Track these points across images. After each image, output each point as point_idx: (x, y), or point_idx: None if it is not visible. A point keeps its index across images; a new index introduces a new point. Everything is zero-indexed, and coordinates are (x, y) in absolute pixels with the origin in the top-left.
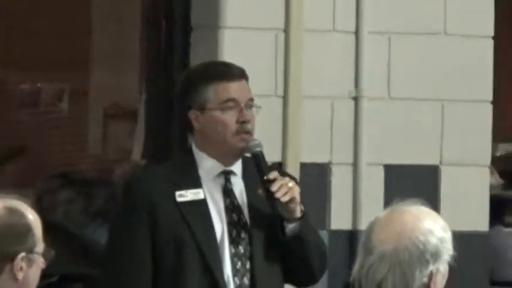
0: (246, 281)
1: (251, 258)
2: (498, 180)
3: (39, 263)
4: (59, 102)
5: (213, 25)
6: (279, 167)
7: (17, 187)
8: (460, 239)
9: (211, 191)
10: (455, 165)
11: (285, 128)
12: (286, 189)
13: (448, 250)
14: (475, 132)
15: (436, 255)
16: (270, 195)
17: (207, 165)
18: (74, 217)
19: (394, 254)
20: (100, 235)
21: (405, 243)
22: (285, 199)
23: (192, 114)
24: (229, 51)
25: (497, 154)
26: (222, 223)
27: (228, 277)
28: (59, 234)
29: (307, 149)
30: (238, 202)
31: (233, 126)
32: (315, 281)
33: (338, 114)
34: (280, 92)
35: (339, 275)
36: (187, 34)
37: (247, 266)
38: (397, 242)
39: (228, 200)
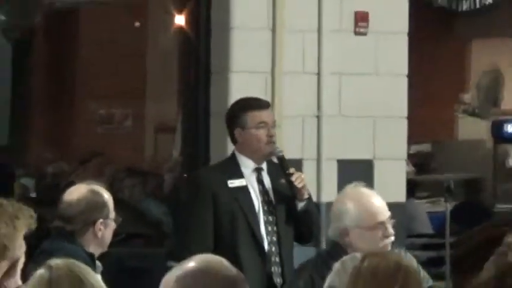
0: (274, 238)
1: (276, 224)
2: (411, 168)
3: (112, 226)
4: (125, 121)
5: (225, 70)
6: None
7: (97, 177)
8: (390, 206)
9: (250, 180)
10: (383, 159)
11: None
12: (300, 179)
13: None
14: (396, 138)
15: None
16: (291, 183)
17: (246, 164)
18: (135, 196)
19: None
20: (152, 207)
21: None
22: (300, 185)
23: (237, 132)
24: (235, 89)
25: (411, 152)
26: (258, 201)
27: (263, 235)
28: (125, 207)
29: (287, 150)
30: (266, 188)
31: (264, 139)
32: (311, 240)
33: (307, 127)
34: None
35: None
36: (208, 75)
37: (275, 229)
38: None
39: (261, 186)
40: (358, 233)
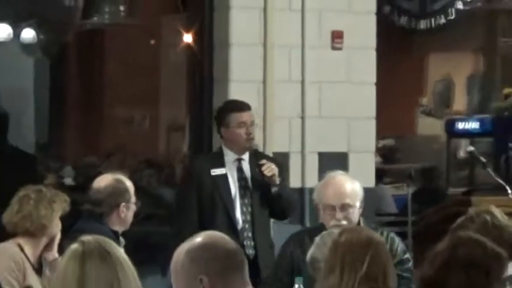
0: (248, 217)
1: (252, 206)
2: (379, 159)
3: (133, 208)
4: (143, 122)
5: (225, 79)
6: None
7: (120, 168)
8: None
9: (231, 169)
10: (356, 152)
11: (265, 135)
12: (270, 169)
13: None
14: (366, 134)
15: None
16: (261, 172)
17: (229, 155)
18: (151, 183)
19: None
20: (165, 193)
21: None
22: (269, 174)
23: (222, 129)
24: (234, 95)
25: (378, 146)
26: (235, 187)
27: (237, 215)
28: (143, 192)
29: (277, 144)
30: (245, 175)
31: (243, 136)
32: (285, 217)
33: (293, 126)
34: (261, 114)
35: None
36: (211, 84)
37: (249, 210)
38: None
39: (240, 174)
40: (319, 209)
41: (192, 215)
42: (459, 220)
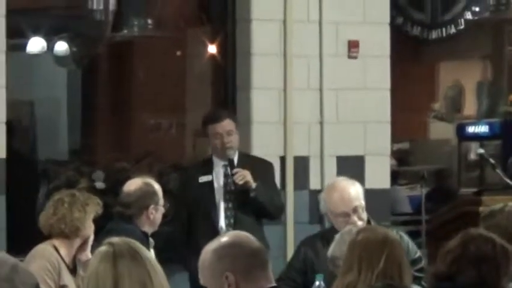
0: (231, 221)
1: (235, 209)
2: (394, 162)
3: (161, 210)
4: (170, 128)
5: (247, 87)
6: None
7: (148, 172)
8: (377, 192)
9: (218, 174)
10: (372, 155)
11: (286, 140)
12: (242, 177)
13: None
14: (382, 138)
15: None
16: (233, 181)
17: (217, 162)
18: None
19: None
20: None
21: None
22: (240, 182)
23: (208, 139)
24: (256, 103)
25: (393, 149)
26: (220, 192)
27: (220, 219)
28: (170, 195)
29: (297, 149)
30: (231, 180)
31: (219, 146)
32: (273, 218)
33: (312, 131)
34: (282, 120)
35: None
36: (235, 92)
37: (232, 213)
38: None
39: (225, 179)
40: (330, 216)
41: (182, 223)
42: (488, 210)
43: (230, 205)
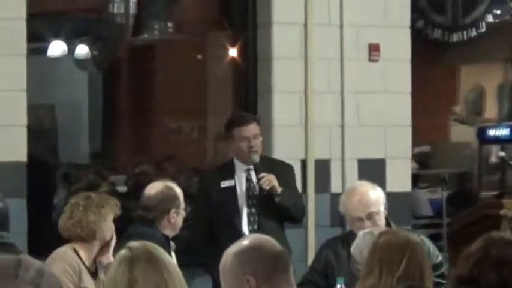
0: (255, 226)
1: (258, 215)
2: (415, 165)
3: (182, 214)
4: (191, 132)
5: (268, 91)
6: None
7: (169, 176)
8: (399, 195)
9: (240, 179)
10: (393, 158)
11: (307, 143)
12: (268, 182)
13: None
14: (402, 141)
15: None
16: (260, 186)
17: (239, 166)
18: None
19: None
20: None
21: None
22: (267, 188)
23: (230, 142)
24: (277, 106)
25: (414, 152)
26: (243, 197)
27: (243, 225)
28: (192, 198)
29: (318, 152)
30: (253, 185)
31: (245, 149)
32: (296, 222)
33: (333, 134)
34: (303, 123)
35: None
36: (256, 95)
37: (256, 219)
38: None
39: (248, 184)
40: (348, 220)
41: (202, 227)
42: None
43: (253, 210)
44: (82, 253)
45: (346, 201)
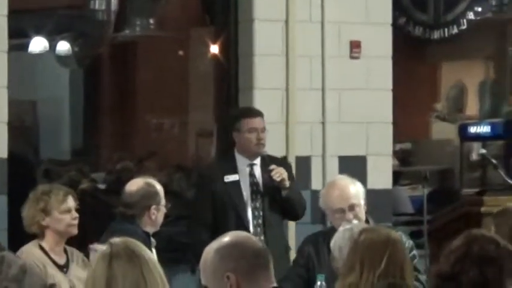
0: (260, 221)
1: (263, 209)
2: (396, 162)
3: (163, 210)
4: (173, 128)
5: (250, 87)
6: (284, 158)
7: (150, 173)
8: (379, 192)
9: (243, 174)
10: (374, 155)
11: (288, 140)
12: (279, 174)
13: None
14: (383, 138)
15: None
16: (271, 177)
17: (241, 161)
18: (181, 186)
19: None
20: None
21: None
22: (278, 179)
23: (234, 134)
24: (258, 103)
25: (395, 149)
26: (247, 192)
27: (249, 219)
28: (173, 195)
29: (299, 149)
30: (257, 180)
31: (254, 141)
32: (297, 217)
33: (314, 131)
34: (284, 120)
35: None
36: (237, 92)
37: (261, 213)
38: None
39: (252, 179)
40: (327, 213)
41: (206, 220)
42: (500, 208)
43: (257, 205)
44: (47, 247)
45: (326, 194)
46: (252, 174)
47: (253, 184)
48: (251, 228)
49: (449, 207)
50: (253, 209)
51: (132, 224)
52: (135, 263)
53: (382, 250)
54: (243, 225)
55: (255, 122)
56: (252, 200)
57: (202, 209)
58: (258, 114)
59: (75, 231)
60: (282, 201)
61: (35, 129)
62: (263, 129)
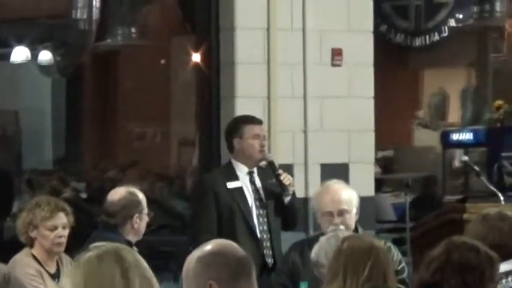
0: (265, 227)
1: (267, 216)
2: (378, 170)
3: (145, 219)
4: (155, 137)
5: (232, 96)
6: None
7: (133, 182)
8: (362, 199)
9: (244, 181)
10: (356, 163)
11: (270, 146)
12: (287, 178)
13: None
14: (366, 146)
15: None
16: (280, 181)
17: (241, 169)
18: (163, 195)
19: None
20: (177, 204)
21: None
22: (287, 183)
23: (235, 141)
24: (240, 111)
25: (378, 157)
26: (251, 199)
27: (255, 225)
28: (155, 204)
29: (282, 157)
30: (258, 187)
31: (257, 147)
32: (293, 226)
33: (296, 139)
34: (266, 128)
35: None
36: (219, 100)
37: (265, 220)
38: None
39: (253, 186)
40: (318, 216)
41: (211, 227)
42: (482, 213)
43: (261, 211)
44: (39, 256)
45: (318, 196)
46: (252, 182)
47: (255, 192)
48: (258, 235)
49: (432, 214)
50: (258, 216)
51: (115, 233)
52: (121, 263)
53: (365, 258)
54: (252, 232)
55: (258, 128)
56: (256, 207)
57: (208, 216)
58: (260, 122)
59: (59, 249)
60: (284, 208)
61: (17, 139)
62: (264, 137)
